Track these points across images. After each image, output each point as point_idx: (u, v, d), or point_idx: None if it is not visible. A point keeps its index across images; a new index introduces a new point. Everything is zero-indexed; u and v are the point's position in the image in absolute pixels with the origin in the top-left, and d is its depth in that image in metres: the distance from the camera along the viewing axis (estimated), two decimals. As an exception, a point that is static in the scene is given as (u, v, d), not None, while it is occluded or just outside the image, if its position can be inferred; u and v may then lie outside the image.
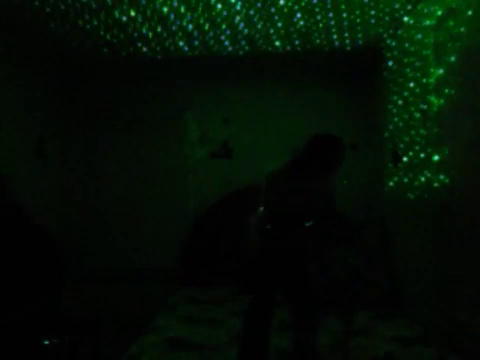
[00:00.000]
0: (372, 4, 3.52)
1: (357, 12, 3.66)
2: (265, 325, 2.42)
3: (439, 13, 3.14)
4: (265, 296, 2.45)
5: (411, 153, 3.73)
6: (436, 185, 3.22)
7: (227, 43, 4.37)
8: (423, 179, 3.48)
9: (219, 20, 3.81)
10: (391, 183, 4.25)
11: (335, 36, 4.19)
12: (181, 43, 4.34)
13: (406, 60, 3.85)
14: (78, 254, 4.96)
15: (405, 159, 3.87)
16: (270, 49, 4.52)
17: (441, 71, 3.12)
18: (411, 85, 3.72)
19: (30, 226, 2.24)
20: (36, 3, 3.44)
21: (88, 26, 3.90)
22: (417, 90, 3.60)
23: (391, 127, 4.25)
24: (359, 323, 3.58)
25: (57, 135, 4.88)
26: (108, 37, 4.16)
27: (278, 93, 5.25)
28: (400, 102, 4.00)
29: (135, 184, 5.26)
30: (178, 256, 4.99)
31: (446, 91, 3.04)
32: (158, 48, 4.48)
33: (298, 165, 2.37)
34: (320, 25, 3.92)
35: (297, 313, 2.50)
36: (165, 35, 4.12)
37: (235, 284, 4.54)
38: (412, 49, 3.71)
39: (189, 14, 3.69)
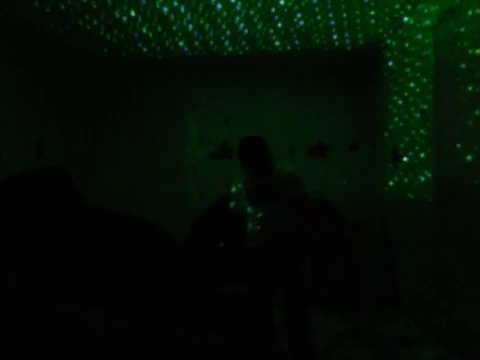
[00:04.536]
0: (372, 4, 3.52)
1: (357, 12, 3.66)
2: (263, 322, 2.48)
3: (439, 13, 3.14)
4: (258, 294, 2.53)
5: (411, 153, 3.73)
6: (436, 185, 3.22)
7: (227, 43, 4.36)
8: (423, 179, 3.48)
9: (219, 20, 3.81)
10: (391, 183, 4.25)
11: (335, 36, 4.19)
12: (181, 43, 4.34)
13: (406, 60, 3.85)
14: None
15: (405, 159, 3.87)
16: (270, 49, 4.52)
17: (440, 71, 3.12)
18: (411, 85, 3.72)
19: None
20: (36, 3, 3.44)
21: (88, 26, 3.90)
22: (417, 90, 3.60)
23: (391, 127, 4.25)
24: (359, 323, 3.58)
25: (57, 135, 4.88)
26: (108, 37, 4.16)
27: (278, 93, 5.25)
28: (400, 102, 4.00)
29: (135, 184, 5.26)
30: (178, 256, 4.99)
31: (445, 91, 3.05)
32: (158, 48, 4.47)
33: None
34: (320, 25, 3.92)
35: (289, 312, 2.52)
36: (165, 35, 4.12)
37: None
38: (412, 49, 3.71)
39: (189, 14, 3.69)
